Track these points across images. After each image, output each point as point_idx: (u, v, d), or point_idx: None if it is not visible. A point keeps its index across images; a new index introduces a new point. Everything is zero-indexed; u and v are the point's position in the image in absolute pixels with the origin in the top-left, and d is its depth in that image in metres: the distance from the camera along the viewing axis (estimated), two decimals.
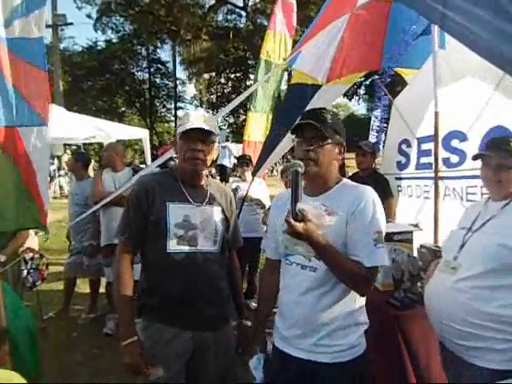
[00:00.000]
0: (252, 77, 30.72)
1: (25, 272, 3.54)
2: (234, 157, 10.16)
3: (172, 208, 1.72)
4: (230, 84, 32.92)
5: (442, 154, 2.97)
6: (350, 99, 32.06)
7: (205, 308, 1.72)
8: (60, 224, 7.67)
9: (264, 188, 4.85)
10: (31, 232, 4.46)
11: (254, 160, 4.84)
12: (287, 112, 3.73)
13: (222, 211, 1.84)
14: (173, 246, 1.70)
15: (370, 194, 1.50)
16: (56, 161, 14.94)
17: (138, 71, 31.68)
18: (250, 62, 30.08)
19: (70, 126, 7.24)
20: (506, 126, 2.56)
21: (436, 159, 2.90)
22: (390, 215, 3.34)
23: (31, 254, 3.65)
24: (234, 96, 29.49)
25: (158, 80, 32.13)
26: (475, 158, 1.80)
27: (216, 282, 1.77)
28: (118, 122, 17.24)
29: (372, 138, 4.24)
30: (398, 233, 2.51)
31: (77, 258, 4.25)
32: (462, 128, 2.91)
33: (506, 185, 1.67)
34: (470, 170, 2.82)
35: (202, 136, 1.69)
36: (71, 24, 19.87)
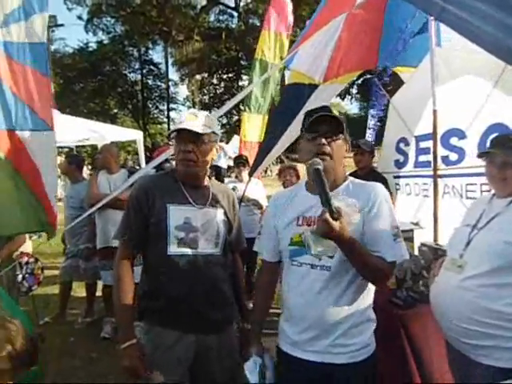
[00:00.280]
0: (244, 77, 30.77)
1: (20, 277, 3.49)
2: (229, 157, 10.13)
3: (172, 210, 1.69)
4: (222, 85, 32.93)
5: (441, 151, 2.97)
6: (343, 99, 32.20)
7: (207, 311, 1.69)
8: None
9: (261, 188, 4.84)
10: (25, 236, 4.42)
11: (251, 160, 4.83)
12: (284, 112, 3.72)
13: (224, 213, 1.82)
14: (173, 248, 1.67)
15: (382, 190, 1.53)
16: None
17: (130, 72, 31.63)
18: (242, 63, 30.12)
19: (62, 129, 7.14)
20: (505, 123, 2.56)
21: (435, 157, 2.89)
22: None
23: (26, 259, 3.60)
24: (226, 97, 29.53)
25: (150, 81, 32.08)
26: (480, 155, 1.79)
27: (218, 285, 1.74)
28: (110, 123, 17.15)
29: (369, 137, 4.23)
30: None
31: (73, 262, 4.19)
32: (461, 126, 2.91)
33: (511, 182, 1.66)
34: (469, 168, 2.82)
35: (192, 137, 1.65)
36: (62, 25, 19.85)
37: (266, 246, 1.68)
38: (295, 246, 1.53)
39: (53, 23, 18.73)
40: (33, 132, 2.14)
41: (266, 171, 17.39)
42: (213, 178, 2.05)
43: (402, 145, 3.55)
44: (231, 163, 7.98)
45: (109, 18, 28.72)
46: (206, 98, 33.37)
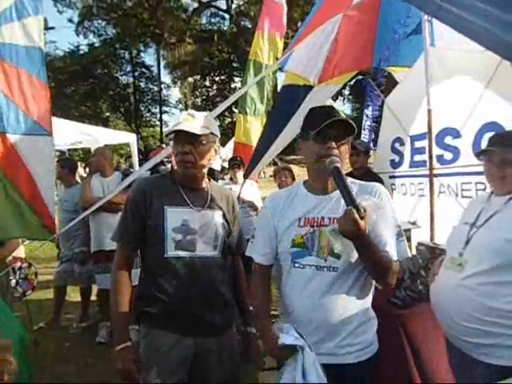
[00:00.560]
0: (237, 79, 30.79)
1: (13, 282, 3.44)
2: (223, 159, 10.10)
3: (170, 212, 1.67)
4: (214, 87, 32.95)
5: (436, 151, 2.99)
6: (335, 100, 32.30)
7: (205, 313, 1.67)
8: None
9: (256, 190, 4.82)
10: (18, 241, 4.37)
11: (246, 162, 4.82)
12: (278, 114, 3.72)
13: (223, 215, 1.79)
14: (171, 251, 1.65)
15: (383, 189, 1.53)
16: None
17: (121, 75, 31.52)
18: (234, 65, 30.15)
19: (54, 132, 7.09)
20: (499, 121, 2.58)
21: (430, 156, 2.91)
22: None
23: (19, 264, 3.56)
24: (219, 99, 29.52)
25: (142, 84, 31.97)
26: (479, 154, 1.79)
27: (216, 287, 1.72)
28: (102, 127, 17.03)
29: (364, 137, 4.24)
30: None
31: (67, 266, 4.15)
32: (455, 125, 2.92)
33: (510, 180, 1.66)
34: (464, 167, 2.83)
35: (189, 138, 1.63)
36: (52, 28, 19.71)
37: (261, 250, 1.62)
38: (297, 247, 1.50)
39: (43, 26, 18.59)
40: (26, 136, 2.10)
41: (259, 173, 17.39)
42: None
43: (397, 145, 3.56)
44: (225, 165, 7.95)
45: (100, 21, 28.61)
46: (199, 100, 33.33)
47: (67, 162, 4.56)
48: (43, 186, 2.19)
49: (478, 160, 1.85)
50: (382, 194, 1.51)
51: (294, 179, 4.17)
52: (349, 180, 1.56)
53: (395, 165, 3.60)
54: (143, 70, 31.69)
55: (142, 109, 32.53)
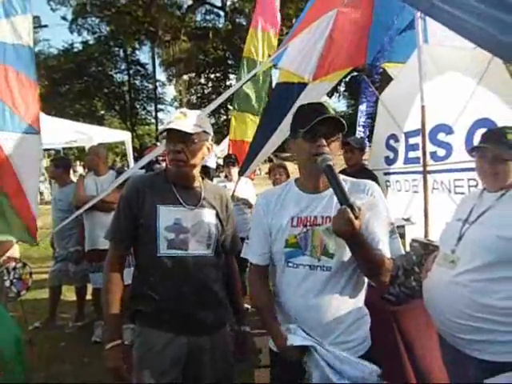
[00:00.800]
0: (232, 76, 30.72)
1: (8, 282, 3.43)
2: (218, 157, 10.08)
3: (162, 211, 1.66)
4: (210, 84, 32.86)
5: (429, 147, 2.99)
6: (330, 96, 32.33)
7: (198, 312, 1.67)
8: (42, 231, 7.47)
9: (250, 187, 4.82)
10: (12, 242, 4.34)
11: (240, 159, 4.81)
12: (273, 112, 3.71)
13: (216, 214, 1.78)
14: (163, 249, 1.65)
15: (376, 187, 1.53)
16: None
17: (116, 73, 31.36)
18: (229, 62, 30.08)
19: (49, 131, 7.06)
20: (490, 118, 2.58)
21: (424, 153, 2.91)
22: None
23: (13, 264, 3.54)
24: (214, 96, 29.43)
25: (137, 82, 31.83)
26: (472, 150, 1.79)
27: (209, 286, 1.71)
28: (97, 125, 16.95)
29: (359, 134, 4.24)
30: None
31: (62, 266, 4.14)
32: (448, 121, 2.92)
33: (502, 177, 1.66)
34: (457, 163, 2.84)
35: (181, 136, 1.62)
36: (46, 26, 19.56)
37: (257, 250, 1.60)
38: (291, 247, 1.50)
39: (37, 24, 18.46)
40: (12, 134, 2.07)
41: (255, 170, 17.39)
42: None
43: (391, 141, 3.56)
44: (220, 162, 7.94)
45: (94, 18, 28.42)
46: (194, 97, 33.24)
47: (61, 161, 4.53)
48: (28, 186, 2.17)
49: (471, 156, 1.85)
50: (375, 192, 1.50)
51: (288, 176, 4.17)
52: (341, 178, 1.56)
53: (390, 161, 3.60)
54: (138, 67, 31.58)
55: (138, 107, 32.41)
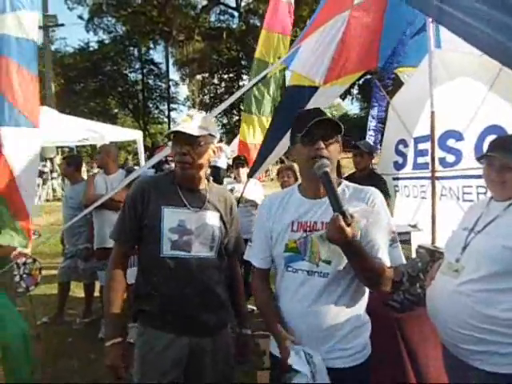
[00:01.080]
0: (245, 77, 30.75)
1: (17, 277, 3.49)
2: (229, 158, 10.11)
3: (167, 212, 1.68)
4: (223, 85, 32.93)
5: (438, 153, 2.96)
6: (343, 99, 32.20)
7: (200, 314, 1.69)
8: (53, 227, 7.59)
9: (259, 189, 4.82)
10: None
11: (250, 161, 4.82)
12: (284, 114, 3.71)
13: (220, 217, 1.80)
14: (166, 250, 1.67)
15: (378, 194, 1.50)
16: (49, 163, 14.84)
17: (130, 72, 31.66)
18: (242, 63, 30.13)
19: (62, 129, 7.17)
20: (501, 125, 2.55)
21: (433, 159, 2.89)
22: None
23: (24, 259, 3.60)
24: (227, 96, 29.48)
25: (150, 81, 32.07)
26: (479, 158, 1.78)
27: (211, 287, 1.73)
28: (111, 123, 17.12)
29: (369, 138, 4.22)
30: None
31: (71, 262, 4.20)
32: (458, 127, 2.89)
33: (510, 186, 1.64)
34: (466, 170, 2.81)
35: (187, 139, 1.64)
36: (62, 25, 19.67)
37: (259, 254, 1.62)
38: (290, 252, 1.50)
39: (53, 23, 18.66)
40: (10, 127, 2.07)
41: (266, 171, 17.39)
42: (211, 179, 2.04)
43: (401, 146, 3.54)
44: (231, 162, 7.96)
45: (110, 18, 28.73)
46: (207, 98, 33.37)
47: (73, 160, 4.60)
48: (23, 182, 2.15)
49: (480, 164, 1.83)
50: (376, 199, 1.48)
51: (296, 179, 4.16)
52: (343, 184, 1.56)
53: (399, 166, 3.58)
54: (152, 67, 31.82)
55: (151, 106, 32.67)
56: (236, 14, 29.71)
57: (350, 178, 3.60)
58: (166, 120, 33.34)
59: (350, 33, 3.28)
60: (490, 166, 1.72)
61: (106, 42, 29.46)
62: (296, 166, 4.45)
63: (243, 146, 5.54)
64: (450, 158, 2.96)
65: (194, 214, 1.71)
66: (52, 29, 20.21)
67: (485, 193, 2.58)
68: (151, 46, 30.93)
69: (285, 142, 3.79)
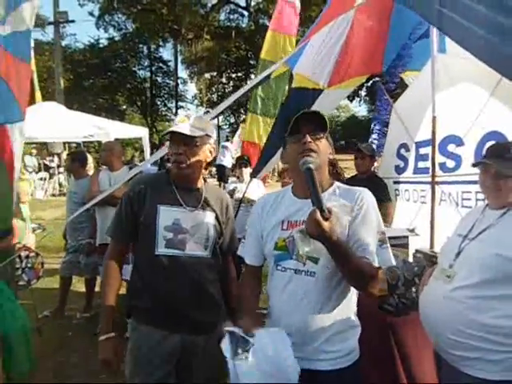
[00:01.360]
0: (253, 76, 30.68)
1: (19, 270, 3.53)
2: (233, 157, 10.13)
3: (162, 211, 1.71)
4: (231, 84, 32.90)
5: (439, 158, 2.96)
6: (351, 101, 32.07)
7: (193, 311, 1.71)
8: (57, 222, 7.65)
9: (262, 189, 4.84)
10: (29, 229, 4.48)
11: (253, 161, 4.84)
12: (288, 116, 3.72)
13: (216, 217, 1.82)
14: (161, 248, 1.70)
15: (369, 195, 1.51)
16: (56, 158, 14.97)
17: (139, 70, 31.71)
18: (251, 62, 30.07)
19: (69, 124, 7.24)
20: (501, 131, 2.55)
21: (433, 164, 2.89)
22: (387, 220, 3.33)
23: (27, 253, 3.65)
24: None
25: (159, 79, 32.16)
26: (475, 165, 1.78)
27: (204, 286, 1.75)
28: (119, 120, 17.25)
29: (373, 141, 4.22)
30: (393, 237, 2.50)
31: (73, 257, 4.25)
32: (459, 133, 2.89)
33: (505, 193, 1.64)
34: (466, 176, 2.80)
35: (184, 139, 1.67)
36: (73, 21, 19.81)
37: (251, 251, 1.65)
38: (279, 250, 1.52)
39: (64, 19, 18.79)
40: (15, 124, 2.10)
41: (272, 171, 17.36)
42: (208, 178, 2.06)
43: (402, 150, 3.54)
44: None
45: (120, 15, 28.84)
46: (215, 96, 33.37)
47: (77, 156, 4.65)
48: (14, 176, 2.21)
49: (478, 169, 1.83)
50: (365, 199, 1.48)
51: None
52: (335, 184, 1.57)
53: (400, 170, 3.58)
54: (160, 64, 31.89)
55: (158, 103, 32.75)
56: (246, 13, 29.72)
57: (351, 181, 3.61)
58: (173, 118, 33.37)
59: (354, 36, 3.28)
60: (485, 173, 1.72)
61: (116, 39, 29.60)
62: None
63: (247, 146, 5.56)
64: (450, 164, 2.96)
65: (190, 213, 1.74)
66: (62, 25, 20.35)
67: (484, 199, 2.57)
68: (160, 43, 31.02)
69: None
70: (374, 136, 4.48)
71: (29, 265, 3.62)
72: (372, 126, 4.57)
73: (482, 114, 2.65)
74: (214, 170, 13.08)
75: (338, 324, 1.48)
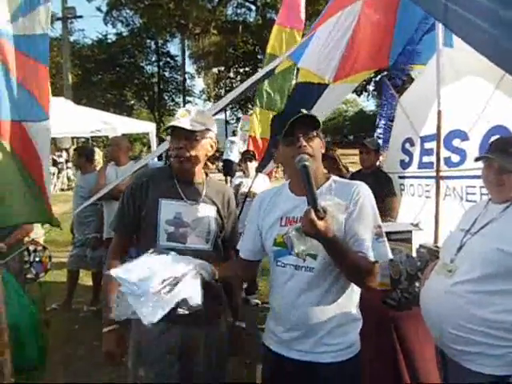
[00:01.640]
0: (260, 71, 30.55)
1: (28, 263, 3.60)
2: (240, 152, 10.14)
3: (164, 204, 1.73)
4: (238, 78, 32.81)
5: (444, 153, 2.94)
6: (359, 95, 31.83)
7: None
8: (66, 216, 7.73)
9: (268, 184, 4.84)
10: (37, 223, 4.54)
11: (259, 155, 4.84)
12: (293, 111, 3.71)
13: (217, 211, 1.83)
14: (162, 241, 1.72)
15: (365, 189, 1.51)
16: (64, 153, 15.11)
17: (147, 65, 31.78)
18: (259, 57, 29.94)
19: (77, 119, 7.30)
20: (506, 125, 2.52)
21: (438, 158, 2.87)
22: (392, 214, 3.32)
23: (35, 246, 3.71)
24: None
25: (166, 74, 32.19)
26: (478, 159, 1.77)
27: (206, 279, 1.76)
28: (127, 115, 17.32)
29: (378, 136, 4.20)
30: (397, 232, 2.50)
31: (80, 251, 4.30)
32: (464, 127, 2.87)
33: (508, 188, 1.63)
34: (470, 170, 2.78)
35: (184, 134, 1.68)
36: (81, 17, 19.96)
37: (246, 245, 1.68)
38: (278, 246, 1.53)
39: (72, 15, 18.89)
40: (35, 123, 2.15)
41: (278, 166, 17.33)
42: (215, 173, 2.07)
43: (407, 145, 3.52)
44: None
45: (127, 11, 28.87)
46: (222, 91, 33.32)
47: (84, 151, 4.70)
48: (46, 173, 2.28)
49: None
50: (361, 193, 1.47)
51: None
52: (332, 179, 1.57)
53: (405, 165, 3.56)
54: (168, 59, 31.92)
55: (166, 98, 32.80)
56: (253, 7, 29.58)
57: (355, 176, 3.60)
58: None
59: (360, 30, 3.26)
60: (488, 168, 1.71)
61: (124, 34, 29.65)
62: None
63: (254, 141, 5.55)
64: (455, 158, 2.94)
65: (191, 207, 1.75)
66: (70, 20, 20.45)
67: (488, 194, 2.56)
68: (168, 38, 31.01)
69: None
70: (380, 131, 4.46)
71: (37, 258, 3.68)
72: (377, 120, 4.55)
73: (487, 109, 2.62)
74: (221, 164, 13.13)
75: (338, 317, 1.49)
